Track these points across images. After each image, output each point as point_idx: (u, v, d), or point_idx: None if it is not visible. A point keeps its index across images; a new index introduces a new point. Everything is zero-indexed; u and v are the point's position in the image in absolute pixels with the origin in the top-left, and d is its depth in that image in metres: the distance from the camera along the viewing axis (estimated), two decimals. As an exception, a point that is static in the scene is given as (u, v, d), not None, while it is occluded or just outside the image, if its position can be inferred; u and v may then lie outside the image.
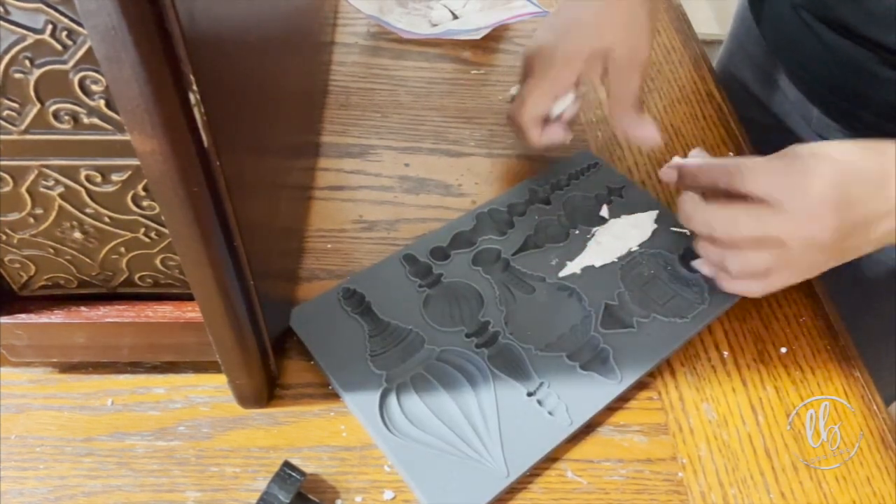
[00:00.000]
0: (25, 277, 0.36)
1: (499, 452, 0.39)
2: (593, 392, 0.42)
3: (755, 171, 0.41)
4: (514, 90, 0.57)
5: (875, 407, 0.45)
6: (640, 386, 0.44)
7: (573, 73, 0.48)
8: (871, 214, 0.39)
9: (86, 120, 0.29)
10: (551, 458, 0.40)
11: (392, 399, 0.41)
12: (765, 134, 0.65)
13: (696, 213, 0.43)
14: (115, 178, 0.31)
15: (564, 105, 0.50)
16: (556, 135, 0.51)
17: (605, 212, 0.52)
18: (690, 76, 0.67)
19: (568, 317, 0.46)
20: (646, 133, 0.49)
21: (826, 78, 0.54)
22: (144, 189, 0.32)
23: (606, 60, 0.48)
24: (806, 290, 0.51)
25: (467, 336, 0.44)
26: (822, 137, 0.59)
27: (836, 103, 0.55)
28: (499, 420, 0.40)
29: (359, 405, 0.40)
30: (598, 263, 0.48)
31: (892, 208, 0.39)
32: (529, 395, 0.41)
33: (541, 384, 0.42)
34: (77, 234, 0.34)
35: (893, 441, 0.43)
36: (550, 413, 0.41)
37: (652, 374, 0.45)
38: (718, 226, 0.42)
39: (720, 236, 0.42)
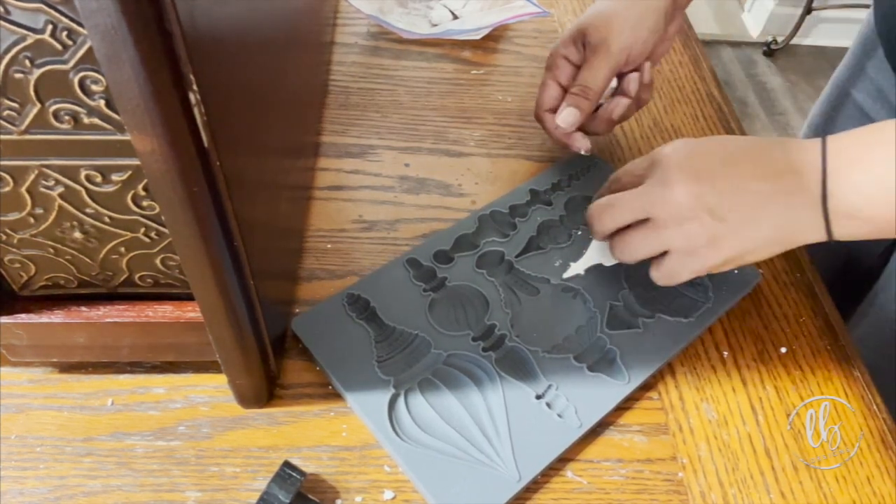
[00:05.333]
0: (25, 277, 0.36)
1: (510, 457, 0.39)
2: (602, 393, 0.42)
3: (626, 168, 0.44)
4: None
5: (875, 407, 0.45)
6: (641, 386, 0.44)
7: (559, 61, 0.53)
8: (743, 177, 0.39)
9: (86, 120, 0.29)
10: (551, 458, 0.40)
11: (401, 405, 0.40)
12: None
13: (592, 209, 0.44)
14: (115, 178, 0.31)
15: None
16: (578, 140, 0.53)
17: None
18: (690, 76, 0.67)
19: (573, 318, 0.46)
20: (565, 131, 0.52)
21: None
22: (144, 189, 0.32)
23: (584, 36, 0.50)
24: (806, 290, 0.51)
25: (474, 339, 0.44)
26: None
27: None
28: (508, 424, 0.40)
29: (368, 411, 0.40)
30: (601, 264, 0.48)
31: (778, 171, 0.39)
32: (538, 397, 0.41)
33: (549, 386, 0.42)
34: (77, 234, 0.34)
35: (893, 441, 0.43)
36: (559, 415, 0.41)
37: (652, 374, 0.45)
38: (607, 212, 0.43)
39: (610, 223, 0.43)
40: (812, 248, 0.55)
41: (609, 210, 0.42)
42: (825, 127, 0.70)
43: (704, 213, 0.39)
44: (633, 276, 0.48)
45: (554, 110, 0.52)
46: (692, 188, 0.39)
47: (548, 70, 0.53)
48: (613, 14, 0.49)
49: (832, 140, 0.38)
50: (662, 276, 0.42)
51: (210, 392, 0.42)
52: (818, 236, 0.39)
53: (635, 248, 0.42)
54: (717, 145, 0.41)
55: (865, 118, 0.64)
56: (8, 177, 0.31)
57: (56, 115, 0.28)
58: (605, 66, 0.50)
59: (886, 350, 0.59)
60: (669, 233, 0.40)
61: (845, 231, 0.38)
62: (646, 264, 0.49)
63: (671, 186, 0.39)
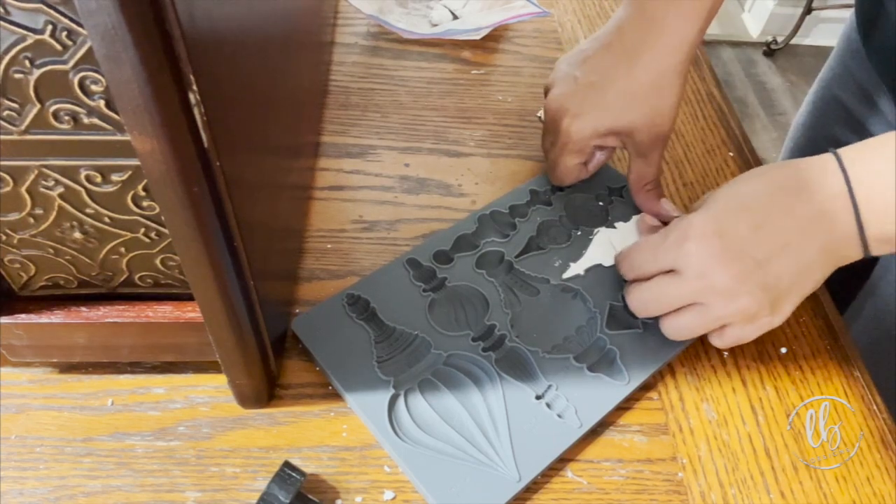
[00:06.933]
0: (25, 277, 0.36)
1: (510, 457, 0.39)
2: (602, 393, 0.42)
3: (643, 258, 0.43)
4: (540, 113, 0.59)
5: (875, 407, 0.45)
6: (641, 386, 0.44)
7: (589, 150, 0.51)
8: (778, 240, 0.39)
9: (86, 120, 0.29)
10: (551, 458, 0.40)
11: (401, 405, 0.40)
12: None
13: (632, 297, 0.44)
14: (115, 178, 0.31)
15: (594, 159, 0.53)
16: (582, 175, 0.54)
17: (606, 212, 0.52)
18: (690, 76, 0.67)
19: (573, 318, 0.46)
20: (661, 211, 0.51)
21: None
22: (144, 189, 0.32)
23: (628, 136, 0.50)
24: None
25: (473, 340, 0.43)
26: None
27: None
28: (508, 424, 0.40)
29: (368, 412, 0.40)
30: (601, 264, 0.48)
31: (810, 220, 0.39)
32: (538, 398, 0.41)
33: (549, 387, 0.42)
34: (77, 234, 0.34)
35: (893, 441, 0.43)
36: (559, 416, 0.41)
37: (652, 374, 0.45)
38: (652, 304, 0.43)
39: (657, 312, 0.43)
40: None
41: (651, 302, 0.43)
42: (813, 126, 0.70)
43: (754, 287, 0.39)
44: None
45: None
46: (734, 270, 0.39)
47: (577, 154, 0.51)
48: (661, 101, 0.48)
49: (850, 166, 0.38)
50: (727, 343, 0.43)
51: (210, 392, 0.42)
52: (858, 257, 0.40)
53: (691, 330, 0.42)
54: (736, 213, 0.40)
55: (850, 117, 0.64)
56: (8, 177, 0.31)
57: (56, 115, 0.28)
58: (661, 154, 0.50)
59: (885, 343, 0.60)
60: (725, 313, 0.40)
61: (883, 251, 0.39)
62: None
63: (712, 276, 0.40)
